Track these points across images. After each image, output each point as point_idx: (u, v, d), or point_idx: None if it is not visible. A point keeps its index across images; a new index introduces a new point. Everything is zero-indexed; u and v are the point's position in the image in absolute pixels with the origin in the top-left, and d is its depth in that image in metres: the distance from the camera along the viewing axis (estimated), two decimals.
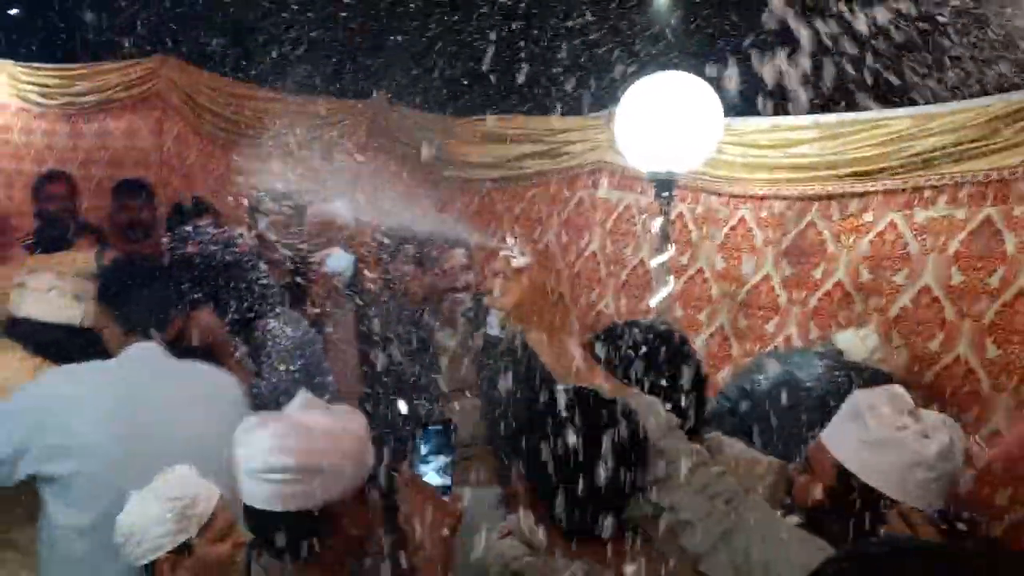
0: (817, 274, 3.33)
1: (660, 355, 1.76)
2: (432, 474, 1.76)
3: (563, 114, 4.34)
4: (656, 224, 3.12)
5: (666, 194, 3.05)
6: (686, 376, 1.73)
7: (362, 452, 1.66)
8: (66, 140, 5.83)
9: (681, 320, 3.57)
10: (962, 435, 1.56)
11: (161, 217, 4.50)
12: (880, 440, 1.53)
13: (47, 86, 5.86)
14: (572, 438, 1.48)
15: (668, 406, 1.62)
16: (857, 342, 2.76)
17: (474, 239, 4.31)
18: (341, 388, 3.01)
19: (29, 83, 5.89)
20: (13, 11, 10.65)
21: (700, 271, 3.60)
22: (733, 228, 3.53)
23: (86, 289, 2.46)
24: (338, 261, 3.36)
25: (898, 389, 1.64)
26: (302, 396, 1.71)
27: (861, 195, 3.22)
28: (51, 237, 4.07)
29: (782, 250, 3.39)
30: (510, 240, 1.75)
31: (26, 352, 2.40)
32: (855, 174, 3.21)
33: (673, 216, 3.46)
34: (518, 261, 1.72)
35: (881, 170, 3.15)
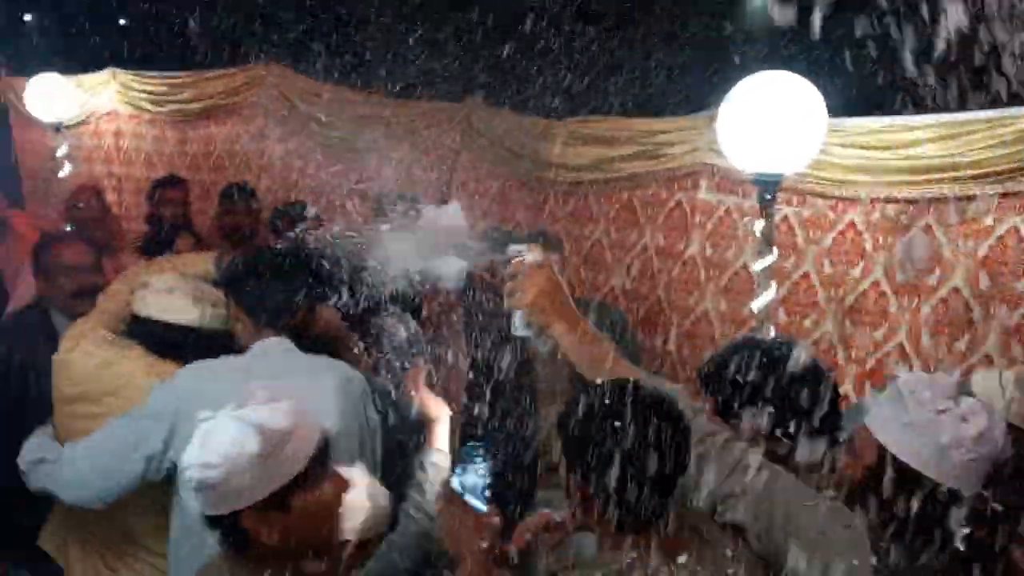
0: (931, 280, 3.19)
1: (793, 381, 1.77)
2: (470, 490, 1.84)
3: (661, 115, 4.28)
4: (758, 227, 3.04)
5: (769, 196, 2.97)
6: (823, 399, 1.75)
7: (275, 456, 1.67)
8: (173, 146, 6.07)
9: (785, 326, 3.47)
10: (1002, 421, 1.60)
11: (263, 220, 4.62)
12: (920, 422, 1.58)
13: (156, 93, 6.11)
14: (618, 431, 1.51)
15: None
16: (995, 386, 2.49)
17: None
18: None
19: (139, 91, 6.15)
20: (122, 21, 11.15)
21: (806, 276, 3.49)
22: (841, 232, 3.40)
23: (205, 292, 2.53)
24: (450, 266, 3.36)
25: (940, 375, 1.68)
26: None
27: (980, 198, 3.07)
28: (161, 240, 4.21)
29: (894, 255, 3.26)
30: (518, 246, 1.82)
31: (144, 350, 2.47)
32: (974, 176, 3.06)
33: (778, 219, 3.36)
34: (530, 259, 1.80)
35: (1002, 172, 3.00)
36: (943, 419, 1.57)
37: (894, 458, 1.60)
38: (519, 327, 1.82)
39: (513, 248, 1.82)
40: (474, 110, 4.83)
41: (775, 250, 3.15)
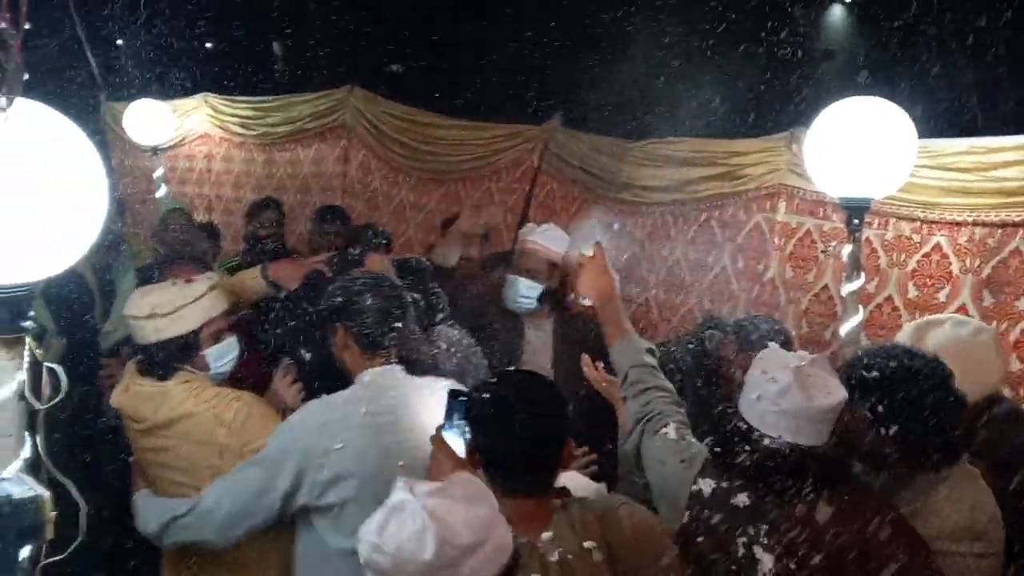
0: (1021, 305, 3.13)
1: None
2: (453, 437, 2.02)
3: (739, 136, 4.28)
4: (845, 251, 3.03)
5: (857, 221, 2.96)
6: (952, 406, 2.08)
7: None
8: (261, 168, 6.28)
9: None
10: (819, 383, 1.91)
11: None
12: (749, 382, 2.00)
13: (245, 117, 6.34)
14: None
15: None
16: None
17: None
18: None
19: (229, 114, 6.39)
20: (208, 45, 11.56)
21: (889, 299, 3.45)
22: (927, 255, 3.36)
23: (188, 292, 2.57)
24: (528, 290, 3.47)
25: (788, 352, 2.05)
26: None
27: None
28: (255, 261, 4.37)
29: (982, 279, 3.21)
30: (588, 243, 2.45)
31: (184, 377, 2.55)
32: None
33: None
34: (586, 250, 2.37)
35: None
36: (758, 378, 1.96)
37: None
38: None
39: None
40: (552, 132, 4.89)
41: (863, 274, 3.12)
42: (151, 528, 2.41)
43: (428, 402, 2.32)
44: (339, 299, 2.43)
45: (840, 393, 1.93)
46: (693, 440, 2.17)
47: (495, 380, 2.01)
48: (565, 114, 5.04)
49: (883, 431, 2.05)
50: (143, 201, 6.33)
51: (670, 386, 2.39)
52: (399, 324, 2.42)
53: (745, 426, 1.96)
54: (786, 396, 1.90)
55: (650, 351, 2.43)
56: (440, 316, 3.09)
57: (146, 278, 3.54)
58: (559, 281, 3.54)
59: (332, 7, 8.30)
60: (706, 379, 2.97)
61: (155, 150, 5.75)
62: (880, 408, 2.05)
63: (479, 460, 1.90)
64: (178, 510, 2.36)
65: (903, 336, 2.56)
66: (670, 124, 4.66)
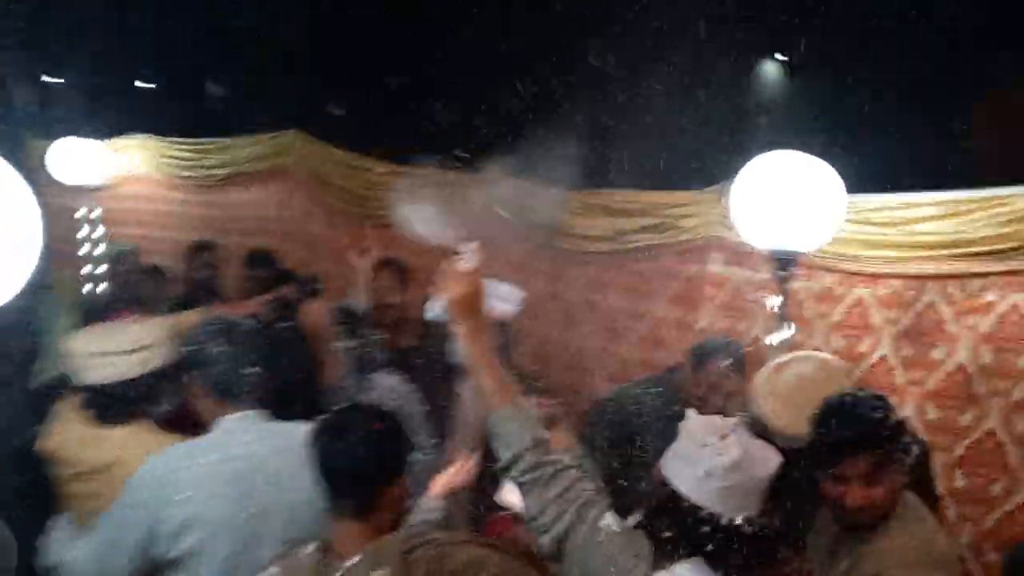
0: (937, 355, 3.27)
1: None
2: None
3: (674, 188, 4.40)
4: (773, 302, 3.13)
5: (785, 272, 3.06)
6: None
7: None
8: (200, 210, 6.22)
9: None
10: (759, 451, 1.80)
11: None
12: (685, 455, 1.81)
13: (183, 158, 6.28)
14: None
15: None
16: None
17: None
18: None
19: (167, 155, 6.34)
20: (151, 85, 11.42)
21: (816, 350, 3.57)
22: (850, 307, 3.50)
23: (139, 338, 2.55)
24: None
25: (716, 417, 1.91)
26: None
27: (984, 275, 3.17)
28: (194, 302, 4.33)
29: (900, 330, 3.35)
30: (466, 245, 2.07)
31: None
32: (977, 254, 3.16)
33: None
34: (466, 264, 2.02)
35: (1004, 250, 3.10)
36: (703, 451, 1.78)
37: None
38: (437, 311, 2.07)
39: (463, 245, 2.05)
40: (493, 179, 4.95)
41: (792, 325, 3.23)
42: (48, 562, 2.34)
43: (284, 447, 2.26)
44: (187, 348, 2.40)
45: (777, 459, 1.83)
46: (634, 528, 1.89)
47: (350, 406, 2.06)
48: (504, 159, 5.10)
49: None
50: (66, 241, 6.19)
51: (579, 455, 2.21)
52: (255, 369, 2.36)
53: (694, 506, 1.76)
54: (739, 469, 1.76)
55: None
56: (377, 363, 3.11)
57: (90, 319, 3.49)
58: None
59: (274, 49, 8.31)
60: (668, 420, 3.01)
61: (85, 190, 5.64)
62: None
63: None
64: (59, 555, 2.30)
65: (761, 380, 2.63)
66: (607, 175, 4.76)
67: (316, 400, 2.72)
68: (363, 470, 1.90)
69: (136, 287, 4.49)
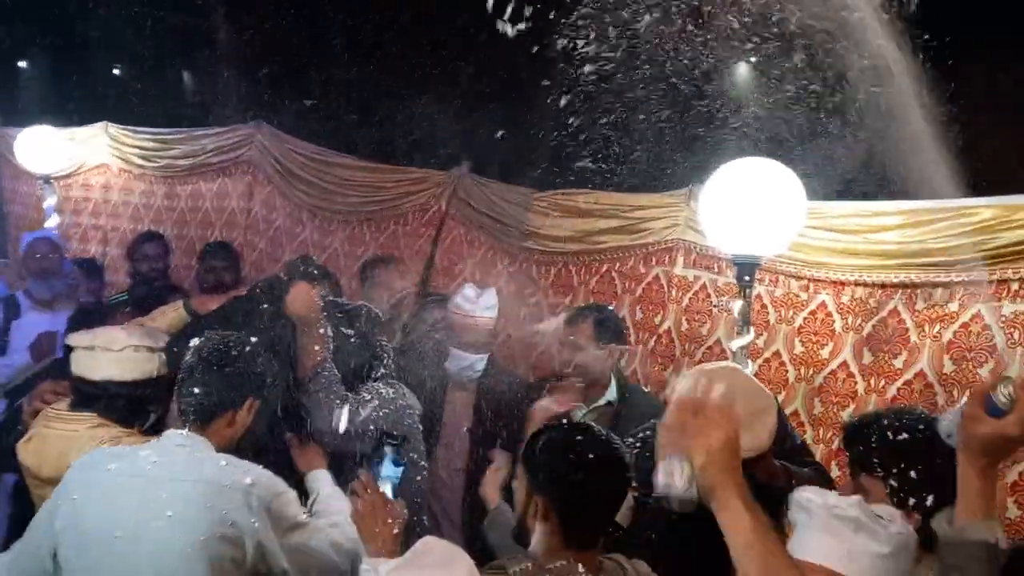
0: (898, 363, 3.28)
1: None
2: (385, 481, 2.13)
3: (641, 191, 4.40)
4: (736, 306, 3.13)
5: (747, 277, 3.06)
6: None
7: None
8: (162, 201, 6.12)
9: None
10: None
11: (245, 278, 4.65)
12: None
13: (146, 148, 6.17)
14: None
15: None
16: None
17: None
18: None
19: (130, 145, 6.21)
20: (116, 70, 11.26)
21: (776, 354, 3.58)
22: (813, 312, 3.50)
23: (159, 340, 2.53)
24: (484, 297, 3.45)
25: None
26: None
27: (946, 284, 3.19)
28: (141, 296, 4.25)
29: (862, 337, 3.35)
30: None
31: (96, 420, 2.45)
32: (940, 263, 3.18)
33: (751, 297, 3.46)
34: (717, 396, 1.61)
35: (967, 260, 3.12)
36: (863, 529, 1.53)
37: None
38: (675, 482, 1.47)
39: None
40: (460, 179, 4.92)
41: (752, 330, 3.23)
42: None
43: (184, 478, 2.05)
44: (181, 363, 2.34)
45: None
46: None
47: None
48: (473, 161, 5.08)
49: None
50: (31, 231, 6.07)
51: None
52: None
53: None
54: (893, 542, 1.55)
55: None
56: (381, 371, 2.97)
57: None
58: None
59: (240, 41, 8.21)
60: None
61: (47, 179, 5.54)
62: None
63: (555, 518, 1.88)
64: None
65: (684, 387, 2.49)
66: (575, 176, 4.76)
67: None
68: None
69: (52, 276, 4.39)
